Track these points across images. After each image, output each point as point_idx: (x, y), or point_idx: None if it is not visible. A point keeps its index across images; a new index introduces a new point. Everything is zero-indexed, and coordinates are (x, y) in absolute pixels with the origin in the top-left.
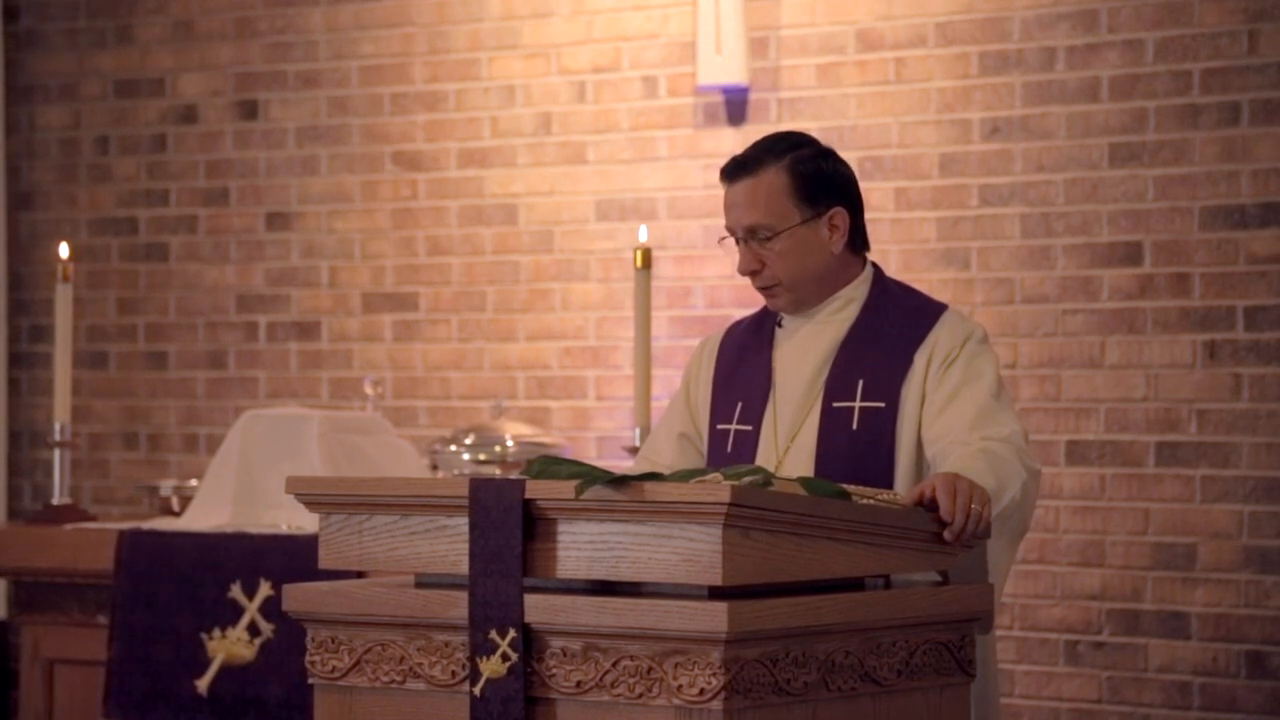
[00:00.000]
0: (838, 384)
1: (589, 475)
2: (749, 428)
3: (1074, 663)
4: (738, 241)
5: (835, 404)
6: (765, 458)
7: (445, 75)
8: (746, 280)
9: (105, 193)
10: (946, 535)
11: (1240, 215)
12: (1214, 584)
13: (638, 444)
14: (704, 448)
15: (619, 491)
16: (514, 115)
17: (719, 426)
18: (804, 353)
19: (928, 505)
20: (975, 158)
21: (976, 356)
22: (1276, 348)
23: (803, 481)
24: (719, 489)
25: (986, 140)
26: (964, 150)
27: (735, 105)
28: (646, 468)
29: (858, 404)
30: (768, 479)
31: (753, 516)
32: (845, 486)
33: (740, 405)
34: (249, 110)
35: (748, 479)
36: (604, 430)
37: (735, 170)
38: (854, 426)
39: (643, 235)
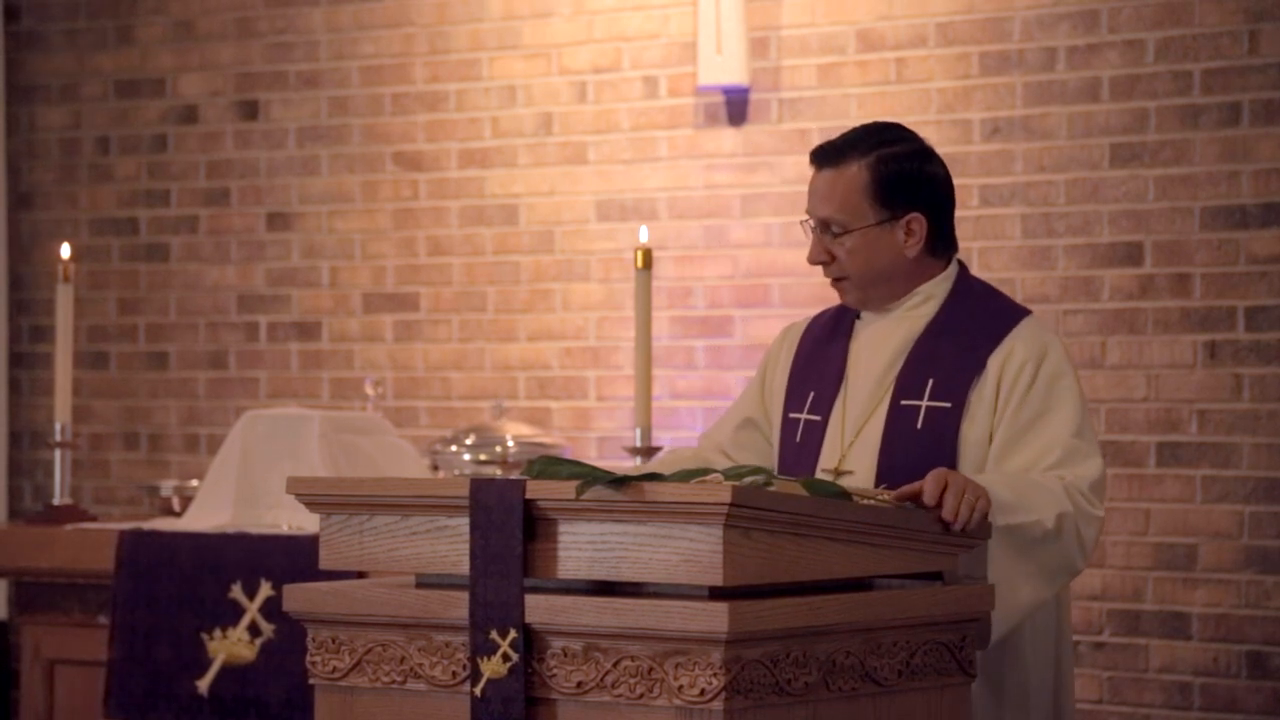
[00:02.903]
0: (908, 381)
1: (589, 475)
2: (818, 418)
3: (1074, 663)
4: (812, 229)
5: (903, 401)
6: (831, 449)
7: (446, 75)
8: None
9: (106, 193)
10: (945, 514)
11: (1241, 215)
12: (1215, 584)
13: (638, 444)
14: (774, 435)
15: (619, 492)
16: (514, 115)
17: (791, 415)
18: (878, 347)
19: (921, 504)
20: (975, 158)
21: (1058, 379)
22: (1277, 348)
23: (803, 482)
24: (719, 489)
25: (987, 140)
26: (964, 150)
27: (736, 105)
28: (705, 444)
29: (925, 403)
30: (768, 479)
31: (753, 517)
32: (846, 487)
33: (812, 395)
34: (249, 110)
35: (748, 479)
36: (604, 430)
37: (822, 157)
38: (919, 426)
39: (643, 235)
